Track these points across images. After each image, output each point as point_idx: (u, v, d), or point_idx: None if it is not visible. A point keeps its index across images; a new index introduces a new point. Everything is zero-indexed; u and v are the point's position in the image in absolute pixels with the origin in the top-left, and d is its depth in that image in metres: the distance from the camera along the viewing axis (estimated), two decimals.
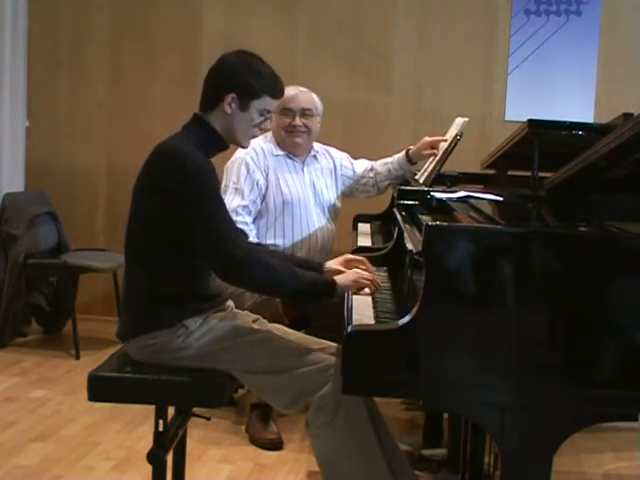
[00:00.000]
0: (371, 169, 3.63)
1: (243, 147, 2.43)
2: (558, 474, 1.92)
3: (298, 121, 3.39)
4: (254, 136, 2.38)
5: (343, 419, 2.14)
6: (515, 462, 1.81)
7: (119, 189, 4.97)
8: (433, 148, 3.37)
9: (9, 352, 4.37)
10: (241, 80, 2.25)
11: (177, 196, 2.15)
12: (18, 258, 4.41)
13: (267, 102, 2.29)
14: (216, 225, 2.15)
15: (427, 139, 3.43)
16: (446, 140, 3.32)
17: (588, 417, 1.83)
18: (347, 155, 3.68)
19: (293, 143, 3.42)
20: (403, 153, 3.54)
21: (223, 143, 2.32)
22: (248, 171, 3.29)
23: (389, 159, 3.60)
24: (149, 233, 2.22)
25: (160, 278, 2.23)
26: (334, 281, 2.24)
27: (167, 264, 2.22)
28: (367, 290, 2.30)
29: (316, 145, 3.56)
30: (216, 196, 2.20)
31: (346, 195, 3.66)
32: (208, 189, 2.17)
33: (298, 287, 2.22)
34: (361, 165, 3.66)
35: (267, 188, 3.32)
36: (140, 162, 2.26)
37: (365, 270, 2.37)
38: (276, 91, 2.32)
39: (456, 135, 3.27)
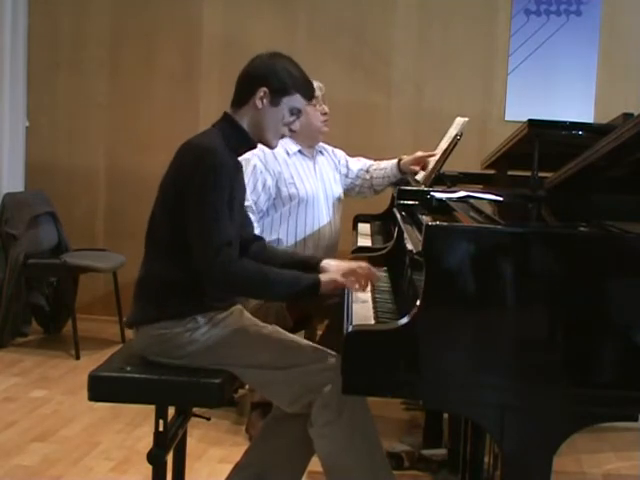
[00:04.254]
0: (367, 171, 3.62)
1: (271, 147, 2.40)
2: (558, 474, 1.91)
3: (326, 108, 3.40)
4: (283, 136, 2.36)
5: (348, 418, 2.13)
6: (515, 462, 1.81)
7: (119, 189, 4.99)
8: (423, 166, 3.38)
9: (9, 352, 4.37)
10: (274, 75, 2.27)
11: (189, 187, 2.17)
12: (18, 258, 4.41)
13: (298, 100, 2.30)
14: (208, 225, 2.15)
15: (419, 154, 3.45)
16: (435, 155, 3.34)
17: (588, 417, 1.83)
18: (344, 154, 3.67)
19: (323, 132, 3.42)
20: (395, 161, 3.55)
21: (251, 141, 2.33)
22: (254, 171, 3.23)
23: (384, 164, 3.60)
24: (170, 224, 2.24)
25: (178, 269, 2.24)
26: (318, 280, 2.21)
27: (186, 256, 2.22)
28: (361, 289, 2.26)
29: None
30: (221, 197, 2.18)
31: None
32: (217, 188, 2.16)
33: (279, 289, 2.22)
34: (356, 164, 3.65)
35: (279, 188, 3.28)
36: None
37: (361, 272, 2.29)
38: (308, 91, 2.33)
39: (456, 135, 3.27)
